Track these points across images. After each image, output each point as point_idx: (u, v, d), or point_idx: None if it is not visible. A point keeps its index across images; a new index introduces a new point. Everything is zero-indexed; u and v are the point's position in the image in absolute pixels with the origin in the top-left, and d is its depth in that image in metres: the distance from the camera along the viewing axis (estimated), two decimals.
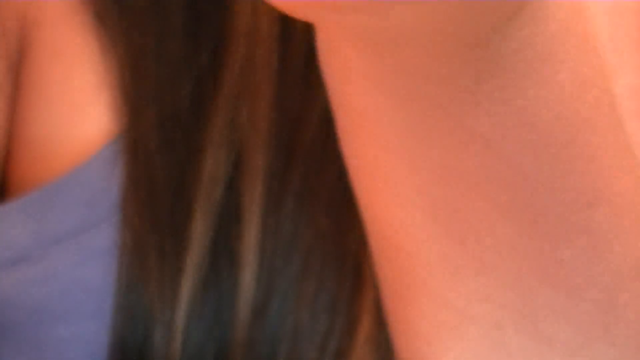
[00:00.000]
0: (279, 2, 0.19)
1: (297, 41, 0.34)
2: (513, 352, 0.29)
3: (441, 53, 0.23)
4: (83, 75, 0.37)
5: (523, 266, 0.28)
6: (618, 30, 0.36)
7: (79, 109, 0.37)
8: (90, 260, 0.36)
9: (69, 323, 0.36)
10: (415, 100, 0.25)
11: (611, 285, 0.29)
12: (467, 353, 0.29)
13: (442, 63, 0.23)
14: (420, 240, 0.28)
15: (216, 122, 0.35)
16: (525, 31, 0.24)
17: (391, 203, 0.28)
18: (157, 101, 0.36)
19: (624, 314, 0.29)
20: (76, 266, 0.36)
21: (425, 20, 0.21)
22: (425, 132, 0.26)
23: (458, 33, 0.22)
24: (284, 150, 0.35)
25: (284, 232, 0.35)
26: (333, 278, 0.35)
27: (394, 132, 0.26)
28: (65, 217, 0.36)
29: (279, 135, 0.35)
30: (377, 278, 0.31)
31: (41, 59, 0.37)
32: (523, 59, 0.24)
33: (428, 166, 0.26)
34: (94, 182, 0.36)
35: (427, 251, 0.28)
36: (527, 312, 0.28)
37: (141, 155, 0.35)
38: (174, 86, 0.36)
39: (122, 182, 0.35)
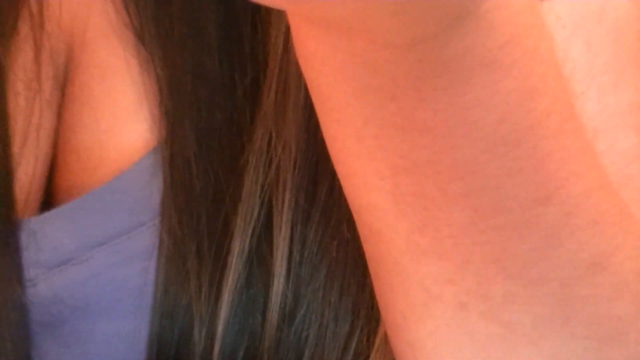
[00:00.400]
0: None
1: None
2: (478, 334, 0.30)
3: (386, 48, 0.24)
4: (125, 90, 0.39)
5: (480, 256, 0.29)
6: (619, 48, 0.37)
7: (121, 122, 0.39)
8: (131, 262, 0.38)
9: (110, 320, 0.38)
10: (371, 91, 0.26)
11: (568, 280, 0.30)
12: (438, 330, 0.31)
13: (388, 58, 0.24)
14: (388, 223, 0.30)
15: (254, 136, 0.37)
16: (467, 40, 0.24)
17: (362, 187, 0.30)
18: (194, 115, 0.38)
19: (583, 308, 0.30)
20: (117, 267, 0.38)
21: (369, 14, 0.22)
22: (382, 121, 0.27)
23: (400, 31, 0.23)
24: (312, 166, 0.37)
25: (311, 242, 0.37)
26: (355, 284, 0.37)
27: (356, 121, 0.28)
28: (107, 221, 0.38)
29: (307, 151, 0.37)
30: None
31: (86, 76, 0.39)
32: (464, 64, 0.25)
33: (387, 155, 0.28)
34: (135, 189, 0.38)
35: (395, 233, 0.30)
36: (488, 298, 0.30)
37: (179, 165, 0.37)
38: (211, 101, 0.38)
39: (162, 189, 0.37)
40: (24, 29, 0.39)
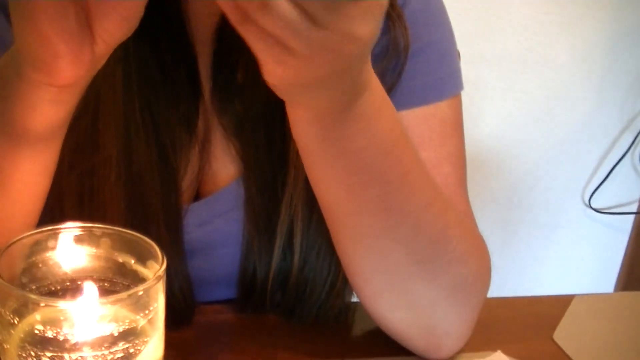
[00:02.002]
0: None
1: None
2: (371, 248, 0.63)
3: (321, 111, 0.53)
4: (221, 148, 0.73)
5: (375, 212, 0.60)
6: (431, 131, 0.72)
7: (225, 166, 0.74)
8: (229, 226, 0.74)
9: (224, 247, 0.75)
10: (318, 129, 0.54)
11: (411, 213, 0.62)
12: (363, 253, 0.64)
13: (324, 114, 0.53)
14: (337, 213, 0.62)
15: (288, 172, 0.71)
16: (361, 108, 0.53)
17: (320, 183, 0.61)
18: (259, 163, 0.72)
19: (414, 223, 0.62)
20: (223, 227, 0.74)
21: (312, 99, 0.51)
22: (327, 147, 0.55)
23: (329, 106, 0.52)
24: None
25: (314, 223, 0.71)
26: (334, 251, 0.68)
27: (313, 146, 0.57)
28: (216, 210, 0.74)
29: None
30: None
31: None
32: (362, 120, 0.54)
33: (331, 168, 0.57)
34: (230, 196, 0.74)
35: (342, 217, 0.62)
36: (378, 229, 0.61)
37: (252, 186, 0.72)
38: (268, 156, 0.72)
39: (244, 194, 0.73)
40: None
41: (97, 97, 0.64)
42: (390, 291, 0.65)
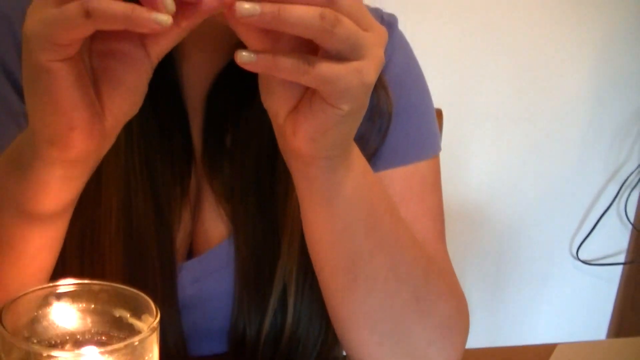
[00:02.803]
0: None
1: None
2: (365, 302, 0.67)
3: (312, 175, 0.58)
4: (213, 208, 0.77)
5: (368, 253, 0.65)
6: (411, 188, 0.77)
7: (216, 226, 0.77)
8: (221, 284, 0.76)
9: (217, 304, 0.77)
10: (307, 188, 0.60)
11: (415, 279, 0.68)
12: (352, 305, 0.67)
13: (315, 172, 0.58)
14: (353, 260, 0.65)
15: (284, 232, 0.74)
16: (354, 154, 0.60)
17: (309, 229, 0.65)
18: (249, 224, 0.75)
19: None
20: (216, 284, 0.76)
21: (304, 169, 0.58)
22: (315, 202, 0.61)
23: (318, 152, 0.56)
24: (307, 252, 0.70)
25: (308, 285, 0.75)
26: (325, 309, 0.71)
27: (309, 202, 0.62)
28: (209, 268, 0.76)
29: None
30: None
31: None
32: (352, 186, 0.60)
33: (319, 216, 0.62)
34: (222, 255, 0.76)
35: (359, 262, 0.65)
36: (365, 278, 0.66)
37: (243, 247, 0.75)
38: (258, 218, 0.75)
39: (235, 254, 0.74)
40: None
41: None
42: (390, 337, 0.68)
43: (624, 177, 1.97)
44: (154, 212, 0.71)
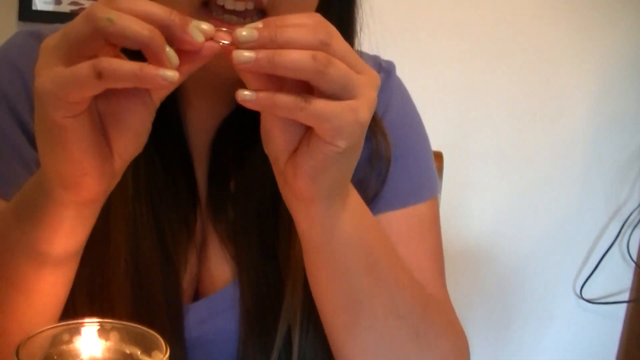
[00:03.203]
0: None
1: None
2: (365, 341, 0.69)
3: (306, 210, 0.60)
4: (218, 251, 0.78)
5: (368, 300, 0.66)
6: (410, 229, 0.79)
7: (222, 268, 0.78)
8: (227, 325, 0.76)
9: (223, 344, 0.77)
10: (308, 229, 0.62)
11: (410, 314, 0.69)
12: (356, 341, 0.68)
13: (315, 213, 0.60)
14: (354, 302, 0.66)
15: (288, 277, 0.75)
16: (352, 193, 0.63)
17: (311, 269, 0.66)
18: (253, 267, 0.76)
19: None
20: (222, 325, 0.77)
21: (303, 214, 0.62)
22: (315, 243, 0.63)
23: (317, 193, 0.58)
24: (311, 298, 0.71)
25: (312, 329, 0.75)
26: (329, 348, 0.72)
27: (310, 243, 0.63)
28: (214, 309, 0.77)
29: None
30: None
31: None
32: (351, 227, 0.62)
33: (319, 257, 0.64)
34: (227, 296, 0.77)
35: (361, 302, 0.66)
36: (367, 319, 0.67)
37: (247, 289, 0.76)
38: (262, 261, 0.76)
39: (240, 296, 0.76)
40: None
41: (108, 199, 0.70)
42: None
43: (626, 216, 1.98)
44: (161, 255, 0.73)
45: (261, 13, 0.63)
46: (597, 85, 1.91)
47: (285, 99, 0.50)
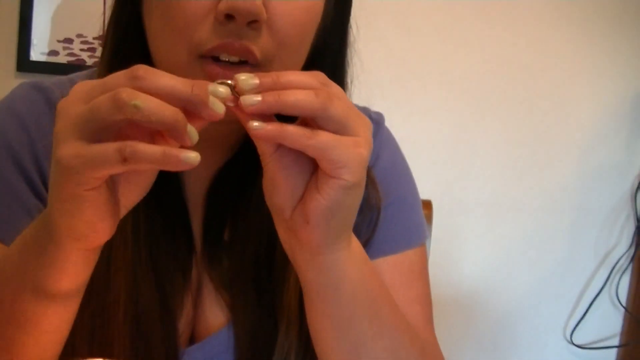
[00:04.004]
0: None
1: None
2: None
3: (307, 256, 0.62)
4: (213, 297, 0.79)
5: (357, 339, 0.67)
6: (401, 275, 0.81)
7: (216, 314, 0.79)
8: None
9: None
10: (315, 279, 0.64)
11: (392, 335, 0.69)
12: None
13: (311, 255, 0.62)
14: (324, 329, 0.68)
15: (282, 323, 0.76)
16: (353, 264, 0.64)
17: (315, 319, 0.67)
18: (247, 313, 0.77)
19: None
20: None
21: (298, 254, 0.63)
22: (322, 292, 0.64)
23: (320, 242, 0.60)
24: (307, 335, 0.72)
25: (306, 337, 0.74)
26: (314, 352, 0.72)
27: (316, 292, 0.64)
28: (209, 353, 0.78)
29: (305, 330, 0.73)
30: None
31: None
32: (356, 273, 0.64)
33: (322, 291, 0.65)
34: (222, 340, 0.78)
35: (338, 344, 0.67)
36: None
37: (241, 333, 0.77)
38: (256, 308, 0.77)
39: (234, 340, 0.78)
40: None
41: (109, 245, 0.72)
42: None
43: (614, 261, 2.00)
44: (159, 300, 0.75)
45: (255, 67, 0.65)
46: (584, 135, 1.95)
47: (293, 129, 0.53)
